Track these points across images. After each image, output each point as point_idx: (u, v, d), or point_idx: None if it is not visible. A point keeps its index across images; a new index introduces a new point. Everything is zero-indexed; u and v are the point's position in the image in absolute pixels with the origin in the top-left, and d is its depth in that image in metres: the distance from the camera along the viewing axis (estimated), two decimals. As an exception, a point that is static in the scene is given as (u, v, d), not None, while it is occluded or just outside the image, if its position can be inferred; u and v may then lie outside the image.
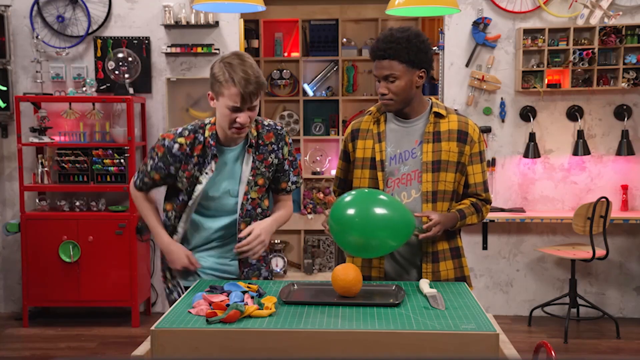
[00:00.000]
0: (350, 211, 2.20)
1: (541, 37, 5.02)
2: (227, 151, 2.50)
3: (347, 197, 2.25)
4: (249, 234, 2.45)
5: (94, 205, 5.12)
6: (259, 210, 2.58)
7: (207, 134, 2.47)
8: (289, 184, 2.63)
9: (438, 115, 2.50)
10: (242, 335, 1.83)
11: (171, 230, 2.58)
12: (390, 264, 2.53)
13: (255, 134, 2.52)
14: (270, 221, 2.54)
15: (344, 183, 2.65)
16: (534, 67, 5.07)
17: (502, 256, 5.30)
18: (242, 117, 2.36)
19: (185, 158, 2.46)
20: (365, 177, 2.52)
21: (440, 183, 2.46)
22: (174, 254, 2.53)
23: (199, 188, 2.47)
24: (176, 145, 2.46)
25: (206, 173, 2.46)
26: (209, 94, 2.47)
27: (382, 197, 2.26)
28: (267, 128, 2.55)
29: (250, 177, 2.51)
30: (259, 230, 2.46)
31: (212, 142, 2.46)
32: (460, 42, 5.19)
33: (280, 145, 2.56)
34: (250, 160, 2.51)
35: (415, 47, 2.41)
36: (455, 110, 5.07)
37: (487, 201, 2.57)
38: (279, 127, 2.58)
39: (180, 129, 2.50)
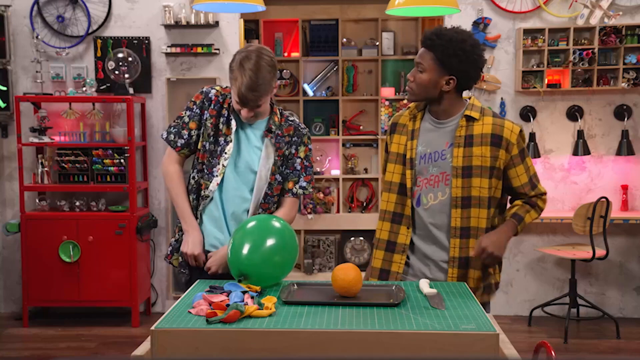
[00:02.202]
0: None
1: (541, 37, 5.02)
2: (246, 125, 2.60)
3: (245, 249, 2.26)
4: None
5: (94, 205, 5.12)
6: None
7: (233, 98, 2.58)
8: (297, 186, 2.63)
9: (470, 119, 2.42)
10: (242, 335, 1.83)
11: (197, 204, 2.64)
12: (415, 260, 2.51)
13: (278, 123, 2.60)
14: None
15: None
16: (534, 67, 5.07)
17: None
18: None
19: (216, 104, 2.60)
20: (398, 172, 2.50)
21: (473, 189, 2.39)
22: (189, 239, 2.58)
23: (231, 146, 2.55)
24: (213, 91, 2.62)
25: (232, 128, 2.57)
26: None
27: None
28: (290, 122, 2.64)
29: (269, 157, 2.57)
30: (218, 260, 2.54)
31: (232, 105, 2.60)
32: (460, 42, 5.18)
33: (297, 141, 2.62)
34: (269, 144, 2.58)
35: (452, 49, 2.34)
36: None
37: (540, 194, 2.51)
38: (302, 127, 2.66)
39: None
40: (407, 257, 2.51)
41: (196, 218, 2.63)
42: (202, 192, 2.60)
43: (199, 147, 2.62)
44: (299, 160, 2.62)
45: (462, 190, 2.40)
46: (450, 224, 2.42)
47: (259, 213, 2.59)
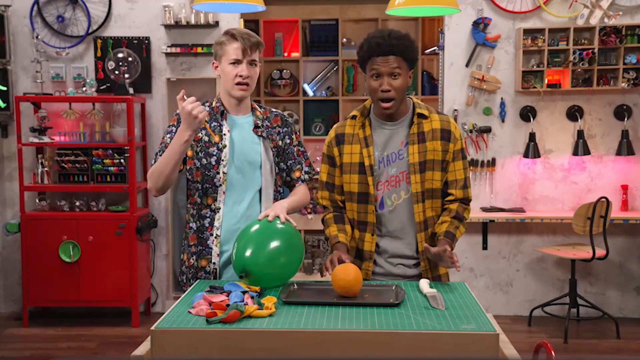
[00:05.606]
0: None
1: (541, 37, 5.02)
2: (237, 119, 2.61)
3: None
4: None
5: (94, 205, 5.12)
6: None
7: (214, 103, 2.63)
8: (303, 172, 2.69)
9: (421, 116, 2.51)
10: (242, 335, 1.83)
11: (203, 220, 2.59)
12: (382, 261, 2.55)
13: (262, 116, 2.64)
14: (285, 202, 2.52)
15: (333, 187, 2.60)
16: (534, 67, 5.07)
17: (502, 256, 5.30)
18: (243, 69, 2.52)
19: None
20: (354, 181, 2.52)
21: (427, 182, 2.49)
22: (184, 114, 2.38)
23: (226, 152, 2.56)
24: None
25: (224, 135, 2.57)
26: (213, 64, 2.62)
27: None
28: (274, 113, 2.69)
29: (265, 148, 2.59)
30: (279, 208, 2.43)
31: (219, 104, 2.61)
32: (460, 42, 5.19)
33: (288, 131, 2.67)
34: (263, 137, 2.61)
35: (414, 47, 2.47)
36: (458, 111, 5.08)
37: (467, 200, 2.55)
38: (286, 116, 2.72)
39: None
40: (375, 261, 2.55)
41: (213, 235, 2.58)
42: (212, 205, 2.57)
43: (187, 166, 2.59)
44: (295, 149, 2.68)
45: (420, 185, 2.48)
46: (414, 219, 2.48)
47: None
